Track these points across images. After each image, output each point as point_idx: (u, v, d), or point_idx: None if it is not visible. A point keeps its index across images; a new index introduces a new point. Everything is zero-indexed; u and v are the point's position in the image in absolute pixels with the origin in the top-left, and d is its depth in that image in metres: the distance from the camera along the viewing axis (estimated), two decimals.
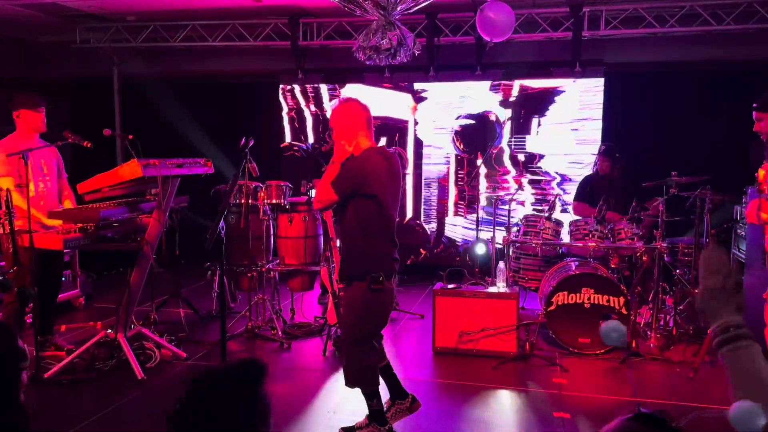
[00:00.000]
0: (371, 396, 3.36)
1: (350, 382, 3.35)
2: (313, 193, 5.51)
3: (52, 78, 8.17)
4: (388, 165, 3.24)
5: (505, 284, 4.93)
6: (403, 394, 3.56)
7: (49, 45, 8.02)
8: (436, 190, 7.45)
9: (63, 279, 5.73)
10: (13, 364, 1.57)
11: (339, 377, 3.87)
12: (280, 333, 5.14)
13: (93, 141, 4.39)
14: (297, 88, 7.63)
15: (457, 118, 7.27)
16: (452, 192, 7.38)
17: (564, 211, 6.52)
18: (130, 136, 4.63)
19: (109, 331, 4.46)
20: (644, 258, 5.04)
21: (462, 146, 7.24)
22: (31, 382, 4.06)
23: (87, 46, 7.64)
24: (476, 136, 7.21)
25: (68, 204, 4.69)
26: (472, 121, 7.21)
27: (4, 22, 7.26)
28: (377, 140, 7.29)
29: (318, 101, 7.64)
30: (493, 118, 7.15)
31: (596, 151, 6.09)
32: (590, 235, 5.17)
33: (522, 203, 6.95)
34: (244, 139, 3.24)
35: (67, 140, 4.35)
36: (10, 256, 4.08)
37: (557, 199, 5.77)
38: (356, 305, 3.27)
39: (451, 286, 4.96)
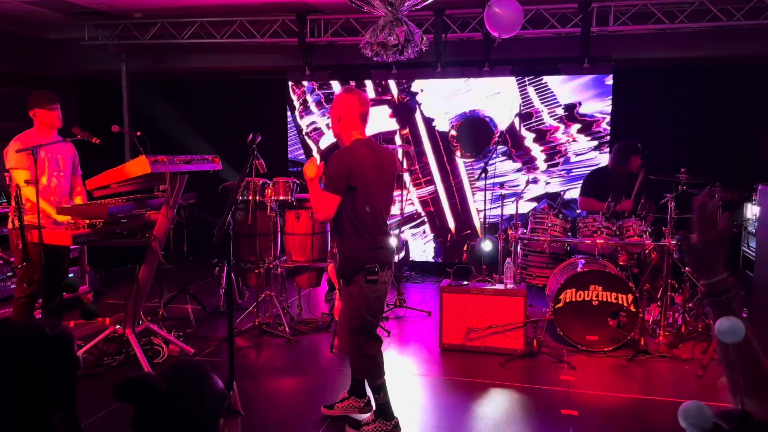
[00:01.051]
0: (377, 390, 3.40)
1: (359, 373, 3.46)
2: None
3: (61, 74, 8.21)
4: (372, 156, 3.29)
5: (512, 281, 4.92)
6: (361, 394, 3.69)
7: (58, 42, 8.05)
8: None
9: (71, 275, 5.77)
10: (74, 372, 1.57)
11: (346, 372, 3.87)
12: (287, 329, 5.15)
13: (101, 137, 4.39)
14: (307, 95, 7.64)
15: (450, 122, 7.26)
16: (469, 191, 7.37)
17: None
18: (138, 133, 4.64)
19: (118, 326, 4.48)
20: (653, 255, 5.01)
21: (461, 152, 7.24)
22: None
23: (95, 43, 7.66)
24: (473, 137, 7.21)
25: (79, 200, 4.71)
26: (465, 124, 7.20)
27: (14, 19, 7.29)
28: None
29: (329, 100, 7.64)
30: (484, 116, 7.12)
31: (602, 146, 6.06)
32: (599, 232, 5.15)
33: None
34: (251, 135, 3.25)
35: (75, 137, 4.36)
36: (20, 252, 4.11)
37: (564, 195, 5.73)
38: (355, 298, 3.32)
39: (457, 282, 4.95)
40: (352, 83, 7.51)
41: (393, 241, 3.67)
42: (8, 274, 5.25)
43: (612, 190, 5.43)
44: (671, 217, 4.88)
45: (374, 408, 3.47)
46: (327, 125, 7.61)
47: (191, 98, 8.44)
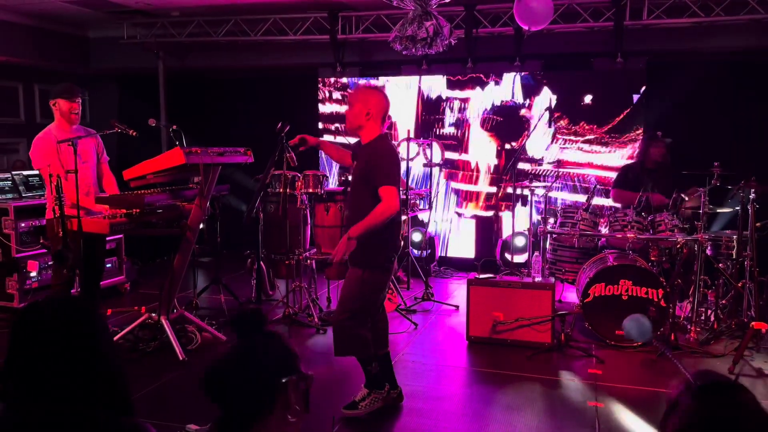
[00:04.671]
0: (367, 362, 3.46)
1: (339, 351, 3.44)
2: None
3: (101, 71, 8.47)
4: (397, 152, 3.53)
5: (540, 275, 4.91)
6: (380, 385, 3.61)
7: (98, 40, 8.32)
8: None
9: (109, 265, 5.96)
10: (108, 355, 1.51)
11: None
12: (316, 320, 5.23)
13: (139, 131, 4.52)
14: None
15: (484, 114, 7.25)
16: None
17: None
18: (174, 126, 4.78)
19: (153, 314, 4.61)
20: (684, 250, 4.94)
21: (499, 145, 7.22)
22: None
23: (134, 41, 7.88)
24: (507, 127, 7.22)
25: (109, 189, 4.81)
26: (499, 118, 7.19)
27: (57, 19, 7.56)
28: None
29: None
30: (522, 111, 7.11)
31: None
32: (629, 227, 5.09)
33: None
34: (280, 124, 3.33)
35: (114, 129, 4.50)
36: (60, 240, 4.25)
37: (595, 189, 5.67)
38: (366, 282, 3.37)
39: (485, 276, 4.96)
40: (384, 79, 7.57)
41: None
42: (49, 263, 5.45)
43: (644, 184, 5.37)
44: (704, 211, 4.80)
45: (365, 380, 3.52)
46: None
47: (225, 94, 8.60)
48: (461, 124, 7.35)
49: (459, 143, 7.36)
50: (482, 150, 7.30)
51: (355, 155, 3.58)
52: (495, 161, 7.26)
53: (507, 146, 7.20)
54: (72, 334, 1.46)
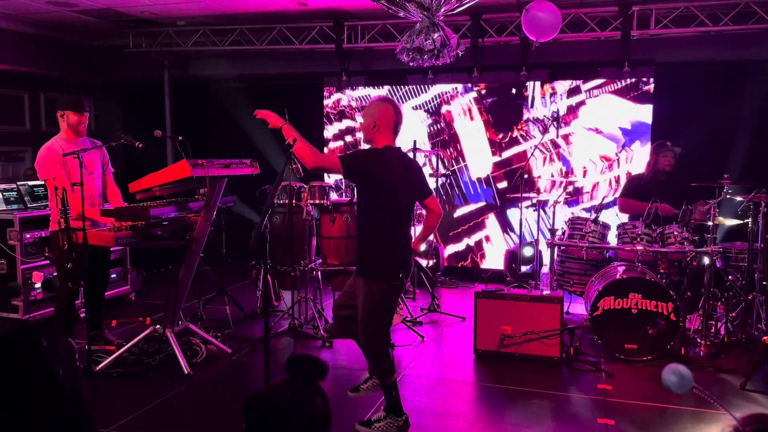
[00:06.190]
0: (390, 389, 3.49)
1: (377, 371, 3.52)
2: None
3: (106, 80, 8.47)
4: (401, 163, 3.46)
5: (548, 288, 4.87)
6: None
7: (104, 49, 8.32)
8: None
9: (114, 276, 5.94)
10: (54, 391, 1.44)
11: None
12: (322, 332, 5.20)
13: (144, 142, 4.51)
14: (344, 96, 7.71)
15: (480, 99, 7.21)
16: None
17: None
18: (180, 137, 4.76)
19: (158, 326, 4.58)
20: (694, 263, 4.89)
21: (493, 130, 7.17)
22: (84, 374, 4.22)
23: (139, 50, 7.88)
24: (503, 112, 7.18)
25: (113, 200, 4.81)
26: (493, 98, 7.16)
27: (63, 28, 7.57)
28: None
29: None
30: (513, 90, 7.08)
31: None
32: (638, 239, 5.05)
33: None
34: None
35: (120, 141, 4.49)
36: (65, 252, 4.23)
37: (604, 201, 5.63)
38: (377, 299, 3.39)
39: (493, 288, 4.92)
40: (387, 88, 7.55)
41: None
42: (54, 274, 5.42)
43: (652, 195, 5.33)
44: (713, 223, 4.75)
45: (385, 404, 3.53)
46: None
47: (231, 103, 8.58)
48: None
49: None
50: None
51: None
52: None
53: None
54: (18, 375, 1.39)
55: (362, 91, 7.69)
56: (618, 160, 6.83)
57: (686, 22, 6.30)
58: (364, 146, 3.59)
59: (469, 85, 7.28)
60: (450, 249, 7.53)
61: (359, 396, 3.68)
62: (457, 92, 7.35)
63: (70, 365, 1.53)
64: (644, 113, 6.71)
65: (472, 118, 7.33)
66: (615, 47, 6.61)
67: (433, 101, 7.45)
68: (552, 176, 7.03)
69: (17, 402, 1.37)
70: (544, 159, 7.05)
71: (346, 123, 7.81)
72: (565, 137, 6.99)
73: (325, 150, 7.90)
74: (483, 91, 7.25)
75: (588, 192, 6.96)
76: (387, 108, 3.46)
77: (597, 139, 6.90)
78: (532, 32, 5.61)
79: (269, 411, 1.47)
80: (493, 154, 7.27)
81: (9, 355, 1.41)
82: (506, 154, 7.23)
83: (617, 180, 6.80)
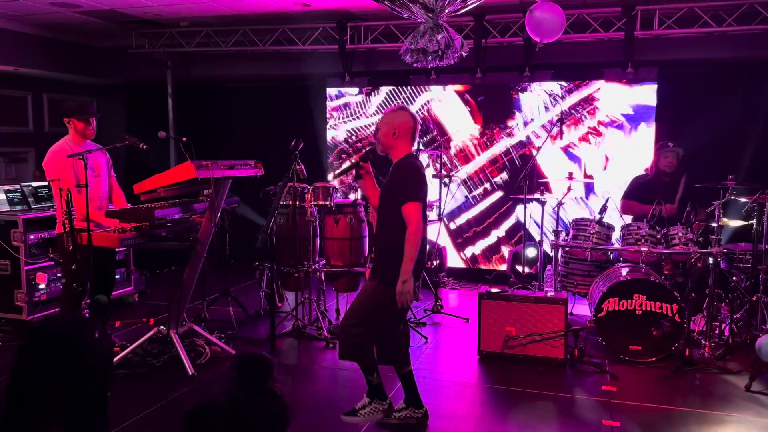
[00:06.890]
0: (369, 371, 3.50)
1: (343, 355, 3.50)
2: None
3: (109, 81, 8.48)
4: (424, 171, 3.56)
5: (552, 289, 4.86)
6: (418, 404, 3.68)
7: (107, 50, 8.33)
8: None
9: (117, 276, 5.93)
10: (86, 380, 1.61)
11: (384, 375, 3.85)
12: (325, 332, 5.19)
13: (147, 143, 4.51)
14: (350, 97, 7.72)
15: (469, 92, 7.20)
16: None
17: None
18: (184, 138, 4.76)
19: (162, 327, 4.59)
20: (699, 264, 4.89)
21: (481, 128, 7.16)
22: None
23: (142, 51, 7.89)
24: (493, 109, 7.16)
25: (117, 202, 4.82)
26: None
27: (66, 29, 7.58)
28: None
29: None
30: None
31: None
32: (642, 240, 5.04)
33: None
34: (294, 141, 3.31)
35: (124, 142, 4.49)
36: (70, 255, 4.23)
37: (608, 201, 5.61)
38: (380, 298, 3.40)
39: (497, 290, 4.92)
40: (388, 88, 7.55)
41: None
42: (58, 275, 5.43)
43: (654, 195, 5.32)
44: (718, 224, 4.75)
45: (367, 389, 3.54)
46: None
47: (233, 104, 8.60)
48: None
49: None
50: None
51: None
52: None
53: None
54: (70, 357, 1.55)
55: (364, 95, 7.70)
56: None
57: (690, 23, 6.29)
58: (376, 151, 3.59)
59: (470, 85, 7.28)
60: (456, 251, 7.53)
61: (355, 421, 3.58)
62: (457, 92, 7.35)
63: (108, 359, 1.62)
64: (647, 115, 6.70)
65: (472, 118, 7.32)
66: (618, 48, 6.60)
67: (423, 108, 7.45)
68: (555, 177, 7.02)
69: (67, 387, 1.53)
70: (548, 159, 7.04)
71: (350, 125, 7.82)
72: (565, 137, 6.98)
73: (328, 153, 7.91)
74: (483, 92, 7.25)
75: (593, 192, 6.96)
76: (405, 116, 3.51)
77: (597, 139, 6.90)
78: (535, 33, 5.60)
79: (208, 427, 1.36)
80: (494, 154, 7.27)
81: (64, 344, 1.56)
82: (508, 154, 7.23)
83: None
